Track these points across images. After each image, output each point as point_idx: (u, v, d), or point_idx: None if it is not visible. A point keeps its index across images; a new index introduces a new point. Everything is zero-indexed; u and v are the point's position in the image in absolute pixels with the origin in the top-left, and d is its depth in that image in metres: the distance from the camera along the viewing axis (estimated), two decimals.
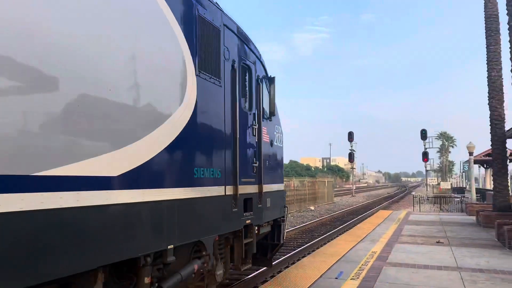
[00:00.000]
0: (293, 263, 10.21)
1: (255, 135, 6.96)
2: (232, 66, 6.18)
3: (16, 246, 2.76)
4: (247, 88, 6.85)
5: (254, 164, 6.83)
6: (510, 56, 12.07)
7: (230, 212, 5.87)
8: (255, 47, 7.49)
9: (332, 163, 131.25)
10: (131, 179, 3.83)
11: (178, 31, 4.75)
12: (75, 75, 3.29)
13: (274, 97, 7.87)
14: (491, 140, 16.03)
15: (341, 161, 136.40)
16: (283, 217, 8.28)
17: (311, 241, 14.36)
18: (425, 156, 37.62)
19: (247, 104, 6.78)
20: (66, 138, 3.18)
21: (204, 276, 5.68)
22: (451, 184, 59.60)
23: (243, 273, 8.22)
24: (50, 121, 3.07)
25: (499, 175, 15.80)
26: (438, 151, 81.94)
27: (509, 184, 16.55)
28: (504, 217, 13.98)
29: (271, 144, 7.85)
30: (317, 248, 12.51)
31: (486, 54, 16.24)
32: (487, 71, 16.25)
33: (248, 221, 6.45)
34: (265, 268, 8.54)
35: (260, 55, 7.71)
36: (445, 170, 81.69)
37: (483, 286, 7.00)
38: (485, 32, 16.25)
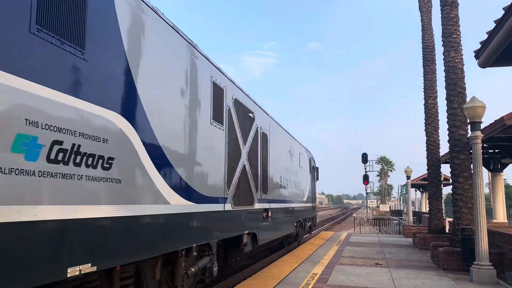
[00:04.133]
0: (234, 286, 9.87)
1: (314, 187, 21.46)
2: (312, 167, 20.97)
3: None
4: (312, 173, 21.03)
5: (315, 196, 21.85)
6: (445, 85, 12.70)
7: (312, 210, 20.44)
8: (314, 157, 21.95)
9: None
10: (306, 200, 19.09)
11: (308, 165, 19.94)
12: (298, 183, 17.09)
13: (318, 173, 22.78)
14: (427, 165, 16.71)
15: None
16: (316, 214, 22.06)
17: (254, 263, 14.07)
18: (365, 179, 38.74)
19: (313, 178, 21.31)
20: (299, 193, 17.39)
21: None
22: (390, 206, 61.85)
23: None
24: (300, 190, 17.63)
25: (434, 198, 16.45)
26: (378, 175, 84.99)
27: (443, 207, 17.26)
28: (438, 239, 14.49)
29: (315, 188, 22.20)
30: (259, 270, 12.24)
31: (423, 83, 17.08)
32: (424, 98, 17.05)
33: (313, 214, 21.04)
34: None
35: (315, 161, 22.29)
36: (384, 193, 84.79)
37: None
38: (423, 62, 17.11)
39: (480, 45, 5.09)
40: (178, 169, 6.07)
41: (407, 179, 27.16)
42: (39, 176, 3.53)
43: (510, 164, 20.56)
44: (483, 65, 5.25)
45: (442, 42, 12.85)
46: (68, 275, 3.82)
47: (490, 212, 23.00)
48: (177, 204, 5.94)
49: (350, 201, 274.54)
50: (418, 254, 14.40)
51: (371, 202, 56.14)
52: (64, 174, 3.83)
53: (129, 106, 4.91)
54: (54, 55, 3.80)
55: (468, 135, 11.11)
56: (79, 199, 4.00)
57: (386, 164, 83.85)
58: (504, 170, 21.10)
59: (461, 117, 12.03)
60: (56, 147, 3.74)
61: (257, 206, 10.34)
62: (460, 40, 12.51)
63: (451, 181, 12.73)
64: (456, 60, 12.34)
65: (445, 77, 12.68)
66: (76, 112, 4.02)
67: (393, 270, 10.95)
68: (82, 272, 3.99)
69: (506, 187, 46.12)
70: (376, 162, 79.53)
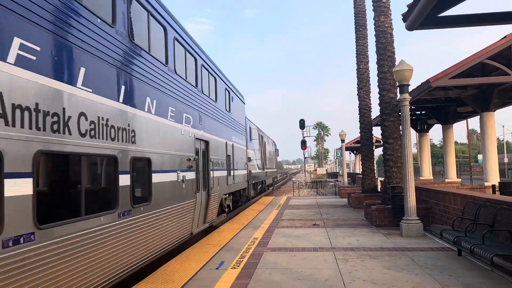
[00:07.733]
0: (174, 256, 9.80)
1: (276, 160, 43.29)
2: (275, 149, 41.13)
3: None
4: (276, 152, 41.22)
5: (277, 165, 46.20)
6: (375, 50, 13.05)
7: (276, 173, 42.64)
8: (276, 143, 42.73)
9: None
10: (275, 167, 40.31)
11: (274, 148, 39.88)
12: (272, 159, 36.29)
13: (278, 152, 43.61)
14: (359, 128, 17.37)
15: None
16: (277, 175, 48.75)
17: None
18: (303, 144, 39.70)
19: (276, 155, 41.79)
20: (273, 164, 38.02)
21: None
22: (326, 169, 64.25)
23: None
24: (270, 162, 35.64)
25: (367, 159, 17.22)
26: (315, 140, 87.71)
27: (375, 167, 18.13)
28: (371, 198, 15.27)
29: (277, 161, 45.60)
30: (201, 238, 12.25)
31: (356, 48, 17.48)
32: (356, 64, 17.51)
33: (276, 175, 45.36)
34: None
35: (276, 145, 43.14)
36: (321, 157, 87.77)
37: (353, 263, 7.42)
38: (355, 28, 17.44)
39: (408, 8, 5.21)
40: (256, 160, 24.61)
41: (342, 142, 28.22)
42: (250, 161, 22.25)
43: (435, 125, 21.94)
44: (410, 27, 5.38)
45: (372, 7, 13.11)
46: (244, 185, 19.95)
47: (417, 170, 24.57)
48: (257, 170, 24.43)
49: (290, 166, 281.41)
50: (353, 213, 15.11)
51: (309, 166, 58.00)
52: (253, 164, 23.29)
53: (256, 149, 25.12)
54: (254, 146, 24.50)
55: (397, 98, 11.58)
56: (255, 168, 23.70)
57: (322, 129, 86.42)
58: (429, 131, 22.51)
59: (391, 80, 12.49)
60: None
61: (265, 170, 27.62)
62: (390, 5, 12.82)
63: (382, 142, 13.34)
64: (386, 25, 12.67)
65: (375, 41, 13.02)
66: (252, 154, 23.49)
67: (329, 230, 11.40)
68: (258, 187, 26.28)
69: (431, 146, 49.46)
70: (313, 128, 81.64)
